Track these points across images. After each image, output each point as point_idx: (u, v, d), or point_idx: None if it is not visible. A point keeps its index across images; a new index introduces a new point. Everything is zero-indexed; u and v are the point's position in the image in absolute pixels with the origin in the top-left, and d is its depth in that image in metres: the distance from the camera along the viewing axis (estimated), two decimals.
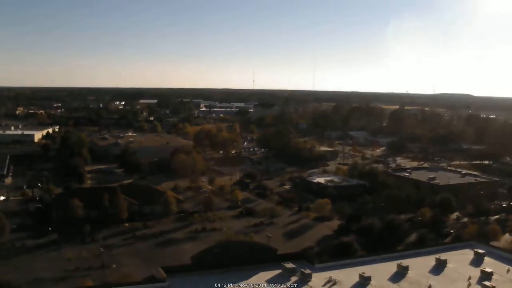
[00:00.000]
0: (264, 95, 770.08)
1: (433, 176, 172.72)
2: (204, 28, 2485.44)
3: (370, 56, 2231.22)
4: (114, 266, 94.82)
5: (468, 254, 78.14)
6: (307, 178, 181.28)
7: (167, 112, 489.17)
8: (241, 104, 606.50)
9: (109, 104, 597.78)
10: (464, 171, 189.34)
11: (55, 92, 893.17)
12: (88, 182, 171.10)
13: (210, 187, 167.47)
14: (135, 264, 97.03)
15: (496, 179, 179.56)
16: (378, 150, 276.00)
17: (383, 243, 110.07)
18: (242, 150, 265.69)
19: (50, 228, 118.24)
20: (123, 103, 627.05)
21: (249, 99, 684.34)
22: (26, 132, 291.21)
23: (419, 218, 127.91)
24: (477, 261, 74.86)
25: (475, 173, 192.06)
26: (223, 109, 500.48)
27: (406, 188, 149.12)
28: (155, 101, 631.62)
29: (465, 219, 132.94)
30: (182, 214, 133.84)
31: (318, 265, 72.04)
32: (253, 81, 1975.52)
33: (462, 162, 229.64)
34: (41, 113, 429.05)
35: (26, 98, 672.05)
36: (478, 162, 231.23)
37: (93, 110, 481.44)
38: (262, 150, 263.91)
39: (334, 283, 65.12)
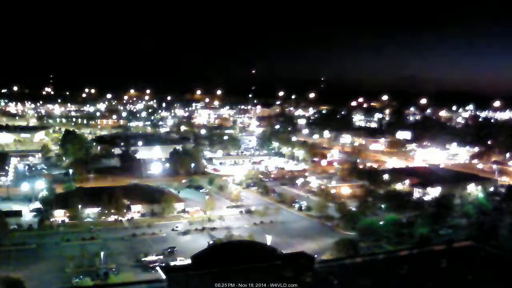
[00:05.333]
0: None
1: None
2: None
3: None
4: (114, 265, 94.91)
5: (468, 254, 78.27)
6: (307, 177, 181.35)
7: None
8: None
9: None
10: (462, 170, 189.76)
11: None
12: (89, 181, 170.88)
13: (210, 186, 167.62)
14: (134, 264, 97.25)
15: (495, 178, 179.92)
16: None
17: (383, 242, 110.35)
18: (243, 149, 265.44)
19: (50, 228, 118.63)
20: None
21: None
22: (26, 132, 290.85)
23: (419, 217, 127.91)
24: (477, 260, 75.03)
25: (474, 172, 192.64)
26: (223, 108, 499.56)
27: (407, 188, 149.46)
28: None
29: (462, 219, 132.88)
30: (182, 214, 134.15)
31: (318, 265, 72.21)
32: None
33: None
34: (42, 112, 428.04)
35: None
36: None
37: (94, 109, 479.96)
38: (263, 149, 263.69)
39: (334, 283, 65.22)
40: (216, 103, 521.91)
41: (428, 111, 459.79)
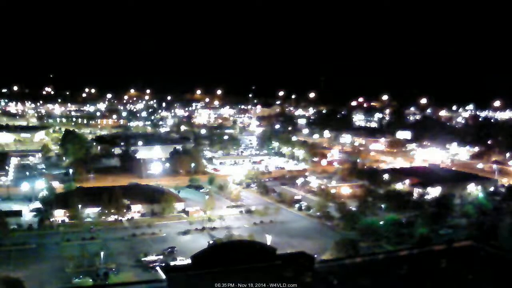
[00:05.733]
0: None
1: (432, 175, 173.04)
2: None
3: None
4: (114, 265, 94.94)
5: (468, 254, 78.26)
6: (307, 177, 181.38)
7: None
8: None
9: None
10: (462, 170, 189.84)
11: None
12: (89, 181, 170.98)
13: (210, 186, 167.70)
14: (134, 264, 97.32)
15: (495, 178, 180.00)
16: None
17: (383, 242, 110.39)
18: (243, 148, 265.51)
19: (50, 227, 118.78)
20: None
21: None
22: (26, 131, 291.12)
23: (419, 217, 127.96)
24: (477, 260, 75.00)
25: (474, 172, 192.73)
26: (223, 108, 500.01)
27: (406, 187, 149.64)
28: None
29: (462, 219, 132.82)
30: (182, 214, 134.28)
31: (318, 265, 72.22)
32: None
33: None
34: (42, 112, 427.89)
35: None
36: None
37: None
38: (263, 148, 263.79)
39: (334, 283, 65.23)
40: (216, 103, 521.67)
41: (428, 111, 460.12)
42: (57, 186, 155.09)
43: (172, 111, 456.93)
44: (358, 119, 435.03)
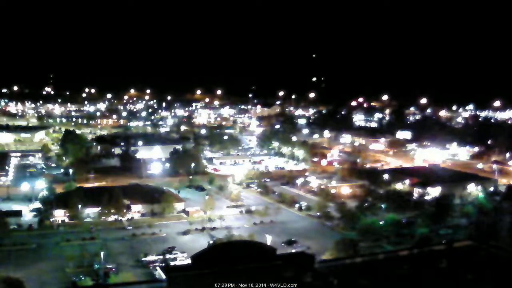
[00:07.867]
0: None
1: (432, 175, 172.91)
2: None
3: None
4: (114, 265, 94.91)
5: (468, 254, 78.33)
6: (307, 177, 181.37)
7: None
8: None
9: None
10: (462, 170, 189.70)
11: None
12: (89, 181, 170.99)
13: (210, 186, 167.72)
14: (134, 264, 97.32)
15: (495, 178, 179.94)
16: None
17: (383, 242, 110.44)
18: (243, 148, 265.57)
19: (51, 227, 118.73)
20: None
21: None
22: (27, 131, 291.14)
23: (419, 217, 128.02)
24: (477, 260, 75.07)
25: (474, 172, 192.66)
26: (223, 108, 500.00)
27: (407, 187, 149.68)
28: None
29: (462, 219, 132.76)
30: (182, 214, 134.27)
31: (318, 265, 72.28)
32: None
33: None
34: (42, 112, 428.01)
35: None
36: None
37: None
38: (263, 148, 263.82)
39: (334, 283, 65.25)
40: (216, 102, 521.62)
41: (428, 111, 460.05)
42: (57, 186, 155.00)
43: (172, 111, 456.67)
44: (358, 119, 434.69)
